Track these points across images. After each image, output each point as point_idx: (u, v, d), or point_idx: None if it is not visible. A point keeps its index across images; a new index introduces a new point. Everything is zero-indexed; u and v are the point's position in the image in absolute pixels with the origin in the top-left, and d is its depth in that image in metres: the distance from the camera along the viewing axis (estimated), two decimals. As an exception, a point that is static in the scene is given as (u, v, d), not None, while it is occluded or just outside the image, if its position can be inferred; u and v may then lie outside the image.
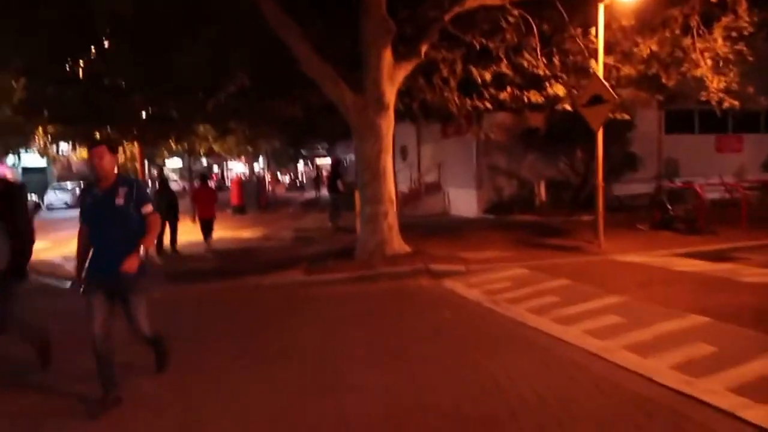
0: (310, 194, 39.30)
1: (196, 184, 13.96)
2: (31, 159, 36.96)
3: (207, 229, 12.59)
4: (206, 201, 12.69)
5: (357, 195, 13.92)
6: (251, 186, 25.21)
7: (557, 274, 8.25)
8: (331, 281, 8.72)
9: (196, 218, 12.75)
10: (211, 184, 56.03)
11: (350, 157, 28.17)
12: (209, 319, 7.18)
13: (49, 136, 11.94)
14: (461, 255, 9.75)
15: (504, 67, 11.27)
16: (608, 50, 11.01)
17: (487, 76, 10.61)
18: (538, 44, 11.36)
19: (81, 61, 9.05)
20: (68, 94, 9.64)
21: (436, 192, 19.88)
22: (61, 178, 38.27)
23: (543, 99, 11.51)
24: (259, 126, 14.72)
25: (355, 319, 6.77)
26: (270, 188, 35.65)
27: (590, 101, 10.34)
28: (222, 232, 16.23)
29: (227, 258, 11.69)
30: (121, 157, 14.39)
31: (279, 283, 8.78)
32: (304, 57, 9.23)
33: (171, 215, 12.04)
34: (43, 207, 32.22)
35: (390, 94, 9.65)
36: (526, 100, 11.48)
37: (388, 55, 9.55)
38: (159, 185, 12.82)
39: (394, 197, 9.86)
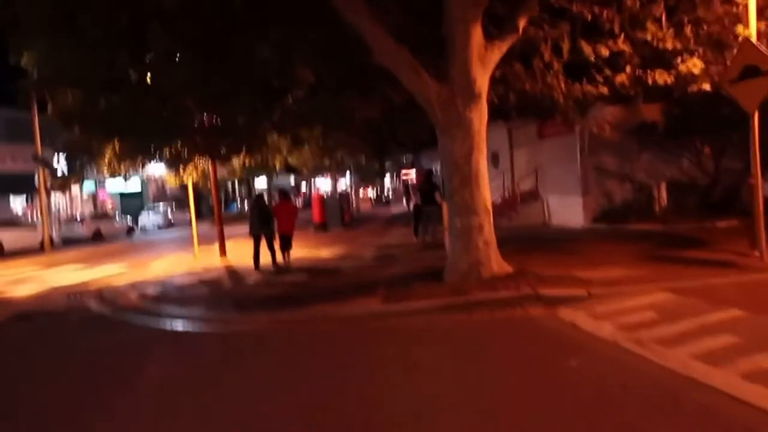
0: (398, 209, 38.03)
1: (277, 199, 13.80)
2: (129, 184, 38.43)
3: (286, 245, 12.42)
4: (286, 216, 12.45)
5: (444, 206, 12.40)
6: (334, 202, 24.20)
7: (719, 301, 6.10)
8: (414, 311, 7.05)
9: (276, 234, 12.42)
10: (295, 200, 56.53)
11: (437, 167, 26.58)
12: (267, 369, 5.73)
13: (115, 155, 11.23)
14: (578, 275, 7.76)
15: (621, 43, 9.21)
16: (759, 14, 8.71)
17: (604, 52, 8.59)
18: (664, 12, 9.23)
19: (132, 68, 8.13)
20: (121, 105, 8.79)
21: (533, 200, 17.73)
22: (156, 201, 39.49)
23: (672, 79, 9.29)
24: (333, 132, 13.36)
25: (442, 366, 5.08)
26: (354, 204, 34.69)
27: (741, 75, 8.09)
28: (300, 251, 15.05)
29: (299, 281, 10.38)
30: (194, 175, 13.58)
31: (352, 314, 7.23)
32: (377, 43, 7.73)
33: (266, 230, 12.11)
34: (137, 230, 33.07)
35: (482, 81, 7.92)
36: (650, 81, 9.31)
37: (477, 33, 7.85)
38: (255, 201, 12.88)
39: (490, 206, 8.07)
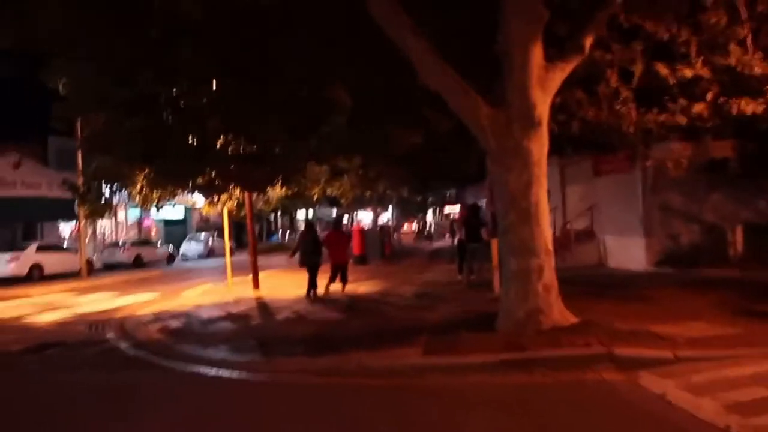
0: (440, 243, 36.98)
1: (329, 229, 14.00)
2: (173, 212, 38.74)
3: (338, 274, 12.48)
4: (339, 246, 12.49)
5: (494, 244, 11.38)
6: (374, 235, 23.42)
7: None
8: (461, 367, 6.04)
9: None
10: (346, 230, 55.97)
11: (482, 202, 25.60)
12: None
13: (147, 183, 10.73)
14: (656, 330, 6.59)
15: (699, 68, 8.18)
16: None
17: (687, 73, 7.57)
18: (750, 33, 8.19)
19: (158, 87, 7.58)
20: (146, 127, 8.24)
21: (588, 240, 16.45)
22: (199, 229, 39.59)
23: (762, 109, 8.17)
24: (374, 163, 12.57)
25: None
26: (396, 237, 33.86)
27: None
28: (337, 284, 14.25)
29: (333, 318, 9.50)
30: (228, 204, 13.01)
31: (389, 367, 6.26)
32: (423, 62, 6.95)
33: (315, 259, 12.22)
34: (178, 257, 33.03)
35: (542, 107, 7.00)
36: (735, 111, 8.21)
37: (538, 53, 6.98)
38: (305, 229, 12.88)
39: (551, 246, 7.04)
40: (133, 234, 37.07)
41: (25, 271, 20.73)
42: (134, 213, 37.89)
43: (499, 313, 7.21)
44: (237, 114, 8.10)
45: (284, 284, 15.21)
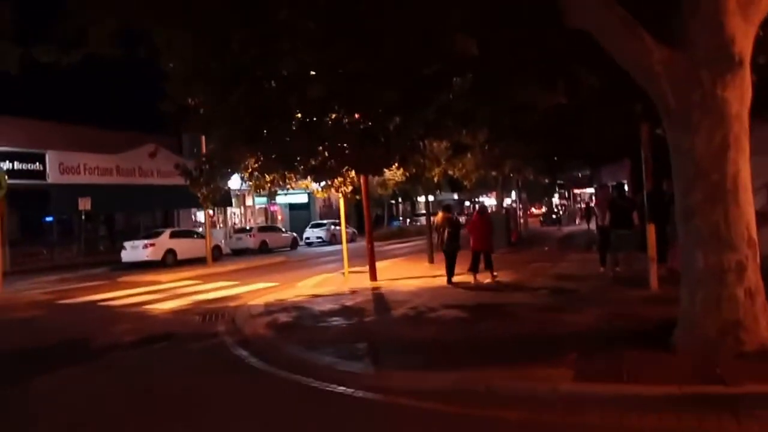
0: (570, 229, 34.10)
1: (474, 215, 13.22)
2: (297, 197, 39.59)
3: (486, 262, 12.06)
4: (483, 232, 12.06)
5: (650, 230, 9.37)
6: (500, 220, 21.67)
7: None
8: (630, 400, 4.44)
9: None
10: (457, 217, 54.65)
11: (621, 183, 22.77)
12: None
13: (258, 167, 10.06)
14: None
15: None
16: None
17: None
18: None
19: (252, 51, 6.62)
20: (246, 99, 7.38)
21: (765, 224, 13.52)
22: (323, 216, 40.08)
23: None
24: (500, 138, 10.86)
25: None
26: (522, 223, 31.68)
27: None
28: (459, 275, 12.92)
29: (456, 318, 8.18)
30: (344, 189, 12.11)
31: (529, 394, 4.81)
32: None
33: (454, 245, 12.01)
34: (302, 242, 33.51)
35: (744, 41, 5.06)
36: None
37: (735, -30, 5.04)
38: (443, 213, 12.51)
39: (755, 234, 5.13)
40: (261, 220, 38.47)
41: (160, 256, 21.74)
42: (261, 199, 39.34)
43: (677, 324, 5.42)
44: (344, 80, 6.98)
45: (404, 274, 14.16)
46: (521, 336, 6.62)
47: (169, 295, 12.97)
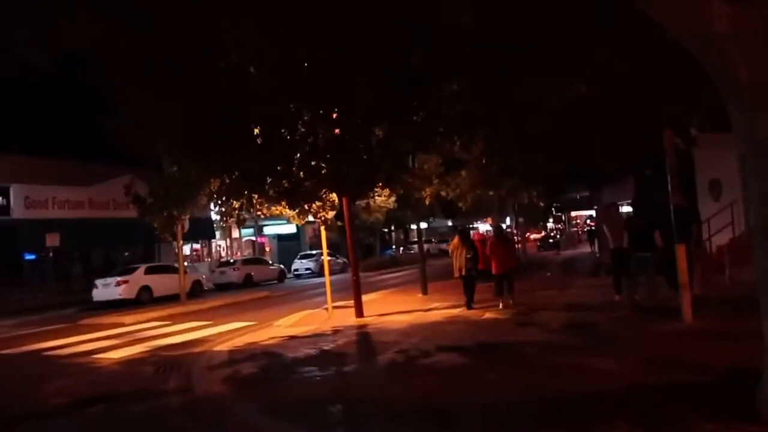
0: (569, 253, 32.77)
1: (491, 238, 12.60)
2: (285, 227, 38.18)
3: (509, 284, 11.60)
4: (505, 253, 11.66)
5: (680, 251, 8.01)
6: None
7: None
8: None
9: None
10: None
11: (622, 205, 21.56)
12: None
13: (221, 190, 8.69)
14: None
15: None
16: None
17: None
18: None
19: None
20: (189, 103, 6.05)
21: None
22: (313, 246, 38.59)
23: None
24: (498, 149, 9.37)
25: None
26: (519, 248, 30.31)
27: None
28: (457, 307, 11.52)
29: (455, 364, 6.73)
30: (323, 214, 10.73)
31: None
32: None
33: (473, 270, 11.67)
34: (290, 274, 31.97)
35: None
36: None
37: None
38: (460, 236, 12.10)
39: None
40: (248, 252, 36.93)
41: (134, 294, 20.19)
42: (248, 231, 37.85)
43: (763, 377, 3.97)
44: (302, 69, 5.64)
45: (394, 308, 12.70)
46: (541, 393, 5.16)
47: (128, 340, 11.42)
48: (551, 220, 60.74)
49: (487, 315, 10.74)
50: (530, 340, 7.84)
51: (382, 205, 13.55)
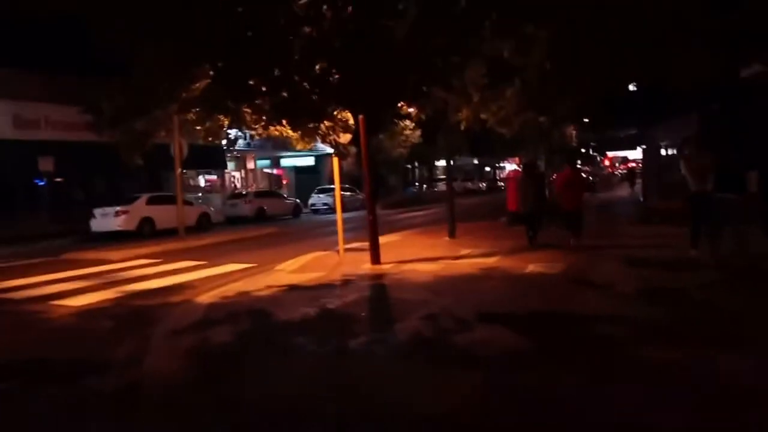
0: (607, 195, 30.26)
1: (566, 170, 11.73)
2: (304, 159, 36.25)
3: (578, 224, 10.89)
4: (575, 188, 11.02)
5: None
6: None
7: None
8: None
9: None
10: (479, 184, 50.60)
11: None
12: None
13: (202, 100, 6.55)
14: None
15: None
16: None
17: None
18: None
19: None
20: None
21: None
22: (332, 180, 36.64)
23: None
24: (571, 50, 6.81)
25: None
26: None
27: None
28: (490, 257, 9.57)
29: (507, 351, 4.74)
30: (333, 136, 8.56)
31: None
32: None
33: (540, 205, 11.18)
34: (307, 209, 30.21)
35: None
36: None
37: None
38: (525, 169, 11.76)
39: None
40: (264, 185, 35.12)
41: (134, 225, 18.59)
42: (264, 162, 35.90)
43: None
44: None
45: (417, 254, 10.73)
46: (649, 405, 3.13)
47: (101, 282, 9.66)
48: (579, 161, 57.64)
49: (531, 268, 8.70)
50: (603, 313, 5.79)
51: (408, 137, 11.27)
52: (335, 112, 8.62)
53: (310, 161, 36.93)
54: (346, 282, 8.36)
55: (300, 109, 7.07)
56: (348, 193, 29.95)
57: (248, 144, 30.00)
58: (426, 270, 8.99)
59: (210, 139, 7.89)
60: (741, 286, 6.69)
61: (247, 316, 6.57)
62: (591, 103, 8.62)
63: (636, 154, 39.56)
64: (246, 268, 10.46)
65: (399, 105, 8.81)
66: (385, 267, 9.49)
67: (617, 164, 71.59)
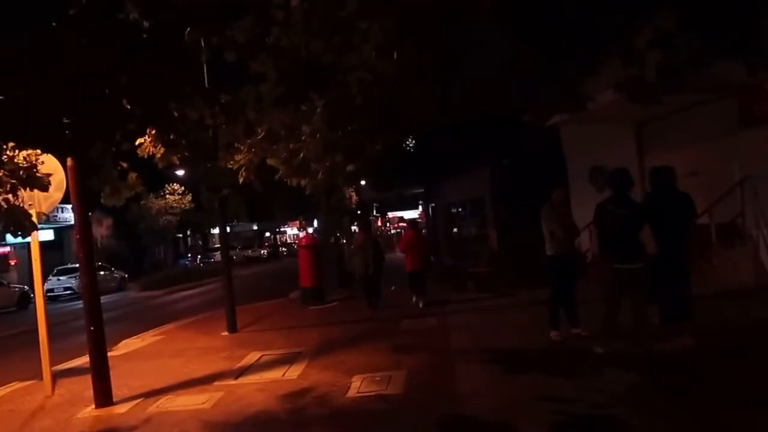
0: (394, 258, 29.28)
1: (408, 232, 11.36)
2: (41, 233, 28.80)
3: (422, 285, 10.70)
4: (420, 249, 10.76)
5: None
6: (331, 251, 15.48)
7: None
8: None
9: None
10: (259, 251, 46.85)
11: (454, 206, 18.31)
12: None
13: None
14: None
15: None
16: None
17: None
18: None
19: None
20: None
21: (733, 242, 9.29)
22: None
23: None
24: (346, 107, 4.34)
25: None
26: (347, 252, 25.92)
27: None
28: (283, 369, 6.42)
29: None
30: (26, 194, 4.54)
31: None
32: None
33: (379, 270, 11.13)
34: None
35: None
36: None
37: None
38: (362, 231, 12.10)
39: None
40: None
41: None
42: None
43: None
44: None
45: (179, 373, 6.88)
46: None
47: None
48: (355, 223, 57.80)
49: (357, 385, 5.66)
50: None
51: (175, 204, 7.69)
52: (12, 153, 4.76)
53: (48, 235, 29.50)
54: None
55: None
56: (102, 272, 24.01)
57: None
58: (190, 410, 5.36)
59: None
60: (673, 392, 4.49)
61: None
62: (369, 163, 6.31)
63: (413, 213, 40.22)
64: None
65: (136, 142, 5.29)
66: (118, 411, 5.58)
67: (387, 224, 73.30)
